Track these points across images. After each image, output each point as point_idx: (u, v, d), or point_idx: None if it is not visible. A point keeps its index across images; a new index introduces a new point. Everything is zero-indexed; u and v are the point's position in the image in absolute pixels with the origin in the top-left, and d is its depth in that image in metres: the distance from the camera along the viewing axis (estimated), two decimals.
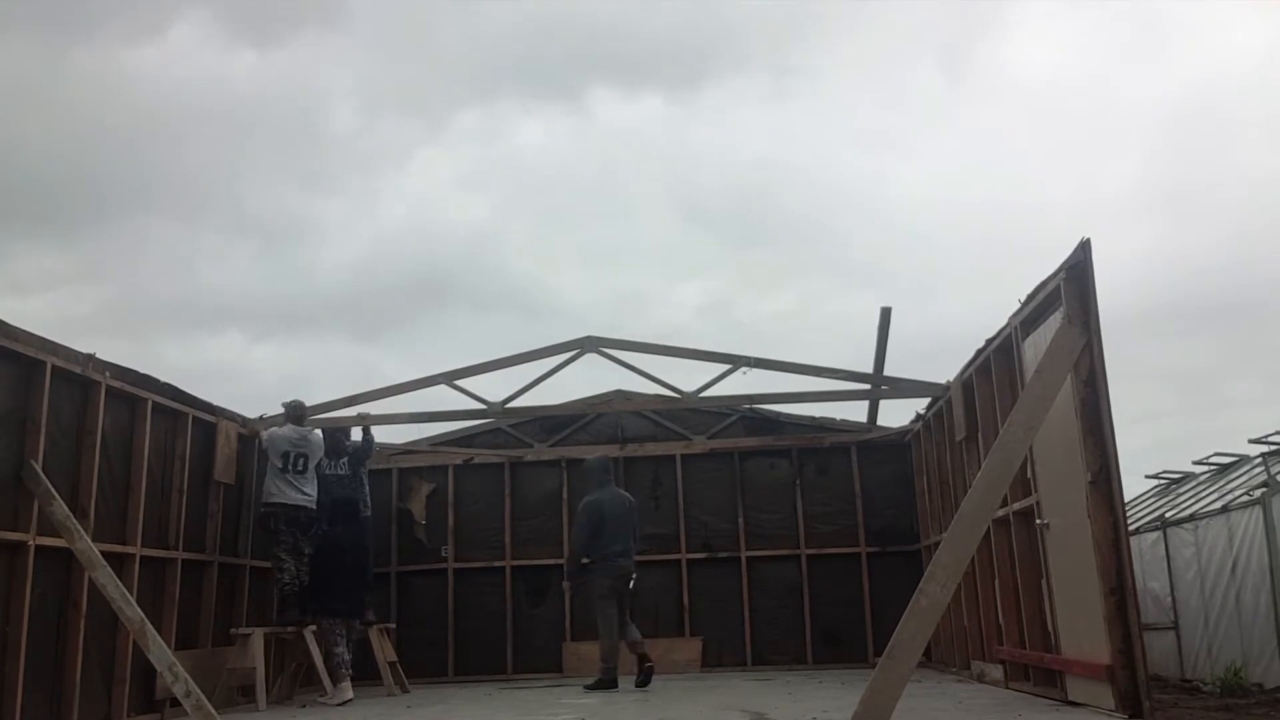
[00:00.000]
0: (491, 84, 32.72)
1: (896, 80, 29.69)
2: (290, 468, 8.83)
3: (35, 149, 26.49)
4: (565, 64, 32.48)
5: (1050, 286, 6.14)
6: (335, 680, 8.21)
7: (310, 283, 31.02)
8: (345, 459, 9.63)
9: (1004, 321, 7.31)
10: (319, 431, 9.38)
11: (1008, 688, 7.33)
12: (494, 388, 11.74)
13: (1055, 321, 5.94)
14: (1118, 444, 5.43)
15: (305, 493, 8.88)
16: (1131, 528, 8.39)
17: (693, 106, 33.16)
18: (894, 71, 29.35)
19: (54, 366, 6.37)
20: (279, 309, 32.49)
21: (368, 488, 9.86)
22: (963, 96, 30.60)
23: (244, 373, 29.86)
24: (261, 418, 9.44)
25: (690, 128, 32.39)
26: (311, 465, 9.01)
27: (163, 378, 7.76)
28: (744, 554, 11.14)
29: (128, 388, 7.33)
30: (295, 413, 9.14)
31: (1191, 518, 8.88)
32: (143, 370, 7.49)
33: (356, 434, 9.84)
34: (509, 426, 11.56)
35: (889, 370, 9.53)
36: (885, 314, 9.43)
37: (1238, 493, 8.43)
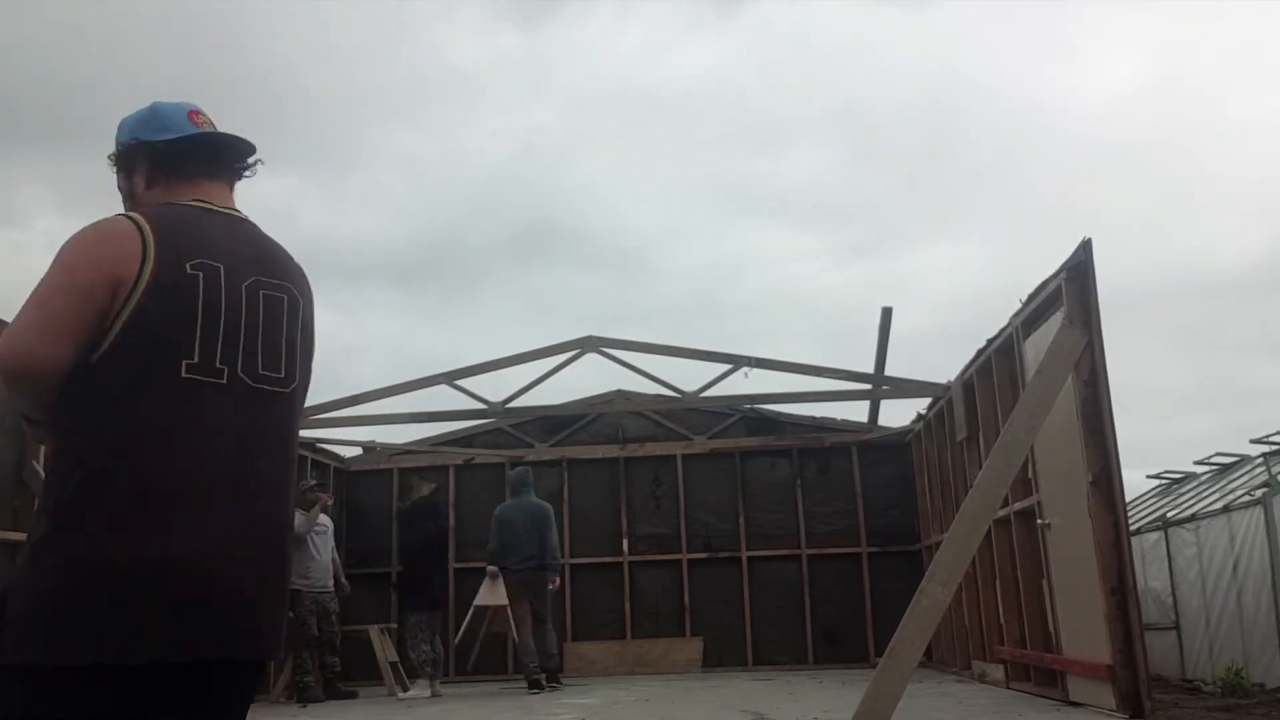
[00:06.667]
0: None
1: None
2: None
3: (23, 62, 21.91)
4: None
5: (1051, 286, 6.14)
6: (418, 676, 8.88)
7: (374, 234, 26.37)
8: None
9: (1005, 321, 7.31)
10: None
11: (1008, 688, 7.32)
12: (494, 387, 11.70)
13: (1056, 321, 5.93)
14: (1122, 441, 5.44)
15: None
16: (1133, 527, 8.38)
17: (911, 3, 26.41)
18: None
19: None
20: (331, 263, 28.39)
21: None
22: None
23: None
24: None
25: (891, 31, 25.64)
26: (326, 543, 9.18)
27: None
28: (744, 554, 11.12)
29: None
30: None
31: (1193, 518, 8.86)
32: None
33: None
34: (509, 426, 11.55)
35: (890, 370, 9.54)
36: (886, 314, 9.43)
37: (1239, 493, 8.42)
